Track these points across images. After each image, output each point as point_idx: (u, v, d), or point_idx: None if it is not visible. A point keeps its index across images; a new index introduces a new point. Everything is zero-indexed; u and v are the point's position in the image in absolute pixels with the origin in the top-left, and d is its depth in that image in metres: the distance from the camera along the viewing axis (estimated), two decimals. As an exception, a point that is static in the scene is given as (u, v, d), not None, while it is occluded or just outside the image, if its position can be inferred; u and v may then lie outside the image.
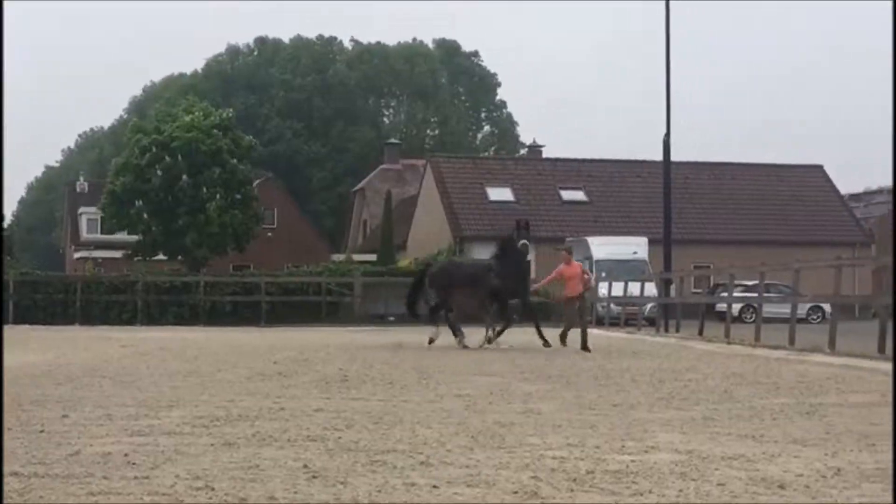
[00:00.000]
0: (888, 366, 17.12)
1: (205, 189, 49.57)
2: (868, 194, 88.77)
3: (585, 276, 23.36)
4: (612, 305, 40.51)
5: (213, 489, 6.06)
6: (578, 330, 22.10)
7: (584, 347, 21.60)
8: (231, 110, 56.24)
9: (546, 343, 22.02)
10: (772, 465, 7.00)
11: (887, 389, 12.58)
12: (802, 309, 43.77)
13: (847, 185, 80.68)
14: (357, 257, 63.09)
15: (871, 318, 38.88)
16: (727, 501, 5.74)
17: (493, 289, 22.92)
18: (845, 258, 31.93)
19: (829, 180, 64.90)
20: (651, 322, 37.19)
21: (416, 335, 24.24)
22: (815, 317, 46.12)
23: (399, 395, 11.85)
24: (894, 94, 15.13)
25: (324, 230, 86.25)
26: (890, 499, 5.86)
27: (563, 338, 22.43)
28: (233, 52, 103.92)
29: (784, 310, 30.64)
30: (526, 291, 23.93)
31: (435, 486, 6.14)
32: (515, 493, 5.97)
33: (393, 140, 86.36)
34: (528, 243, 23.08)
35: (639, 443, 8.00)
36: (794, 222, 60.22)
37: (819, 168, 65.91)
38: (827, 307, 34.40)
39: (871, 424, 9.17)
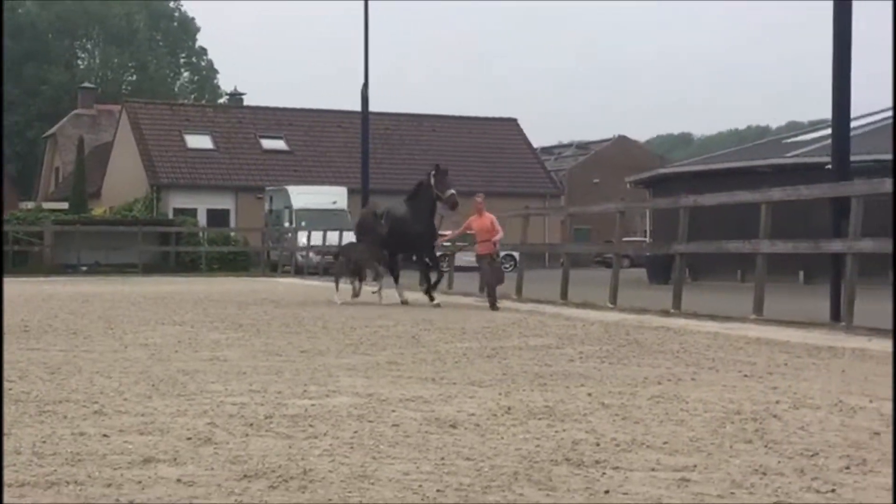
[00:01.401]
0: (570, 311, 17.93)
1: None
2: (559, 148, 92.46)
3: (495, 228, 20.26)
4: (311, 255, 40.72)
5: None
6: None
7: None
8: None
9: (434, 301, 20.45)
10: (447, 405, 7.17)
11: (565, 333, 13.17)
12: (495, 258, 45.31)
13: (539, 138, 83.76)
14: (48, 205, 60.84)
15: (558, 266, 40.65)
16: (399, 441, 5.84)
17: (381, 238, 21.41)
18: (533, 208, 33.19)
19: (522, 133, 67.14)
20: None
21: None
22: (507, 265, 47.75)
23: (82, 345, 11.48)
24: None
25: (13, 177, 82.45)
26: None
27: (491, 303, 19.32)
28: None
29: (477, 258, 31.55)
30: (431, 242, 21.69)
31: (105, 435, 5.96)
32: (189, 439, 5.88)
33: (87, 84, 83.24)
34: (455, 193, 21.07)
35: (321, 387, 8.04)
36: (491, 173, 62.00)
37: (513, 121, 68.08)
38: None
39: (546, 365, 9.56)
